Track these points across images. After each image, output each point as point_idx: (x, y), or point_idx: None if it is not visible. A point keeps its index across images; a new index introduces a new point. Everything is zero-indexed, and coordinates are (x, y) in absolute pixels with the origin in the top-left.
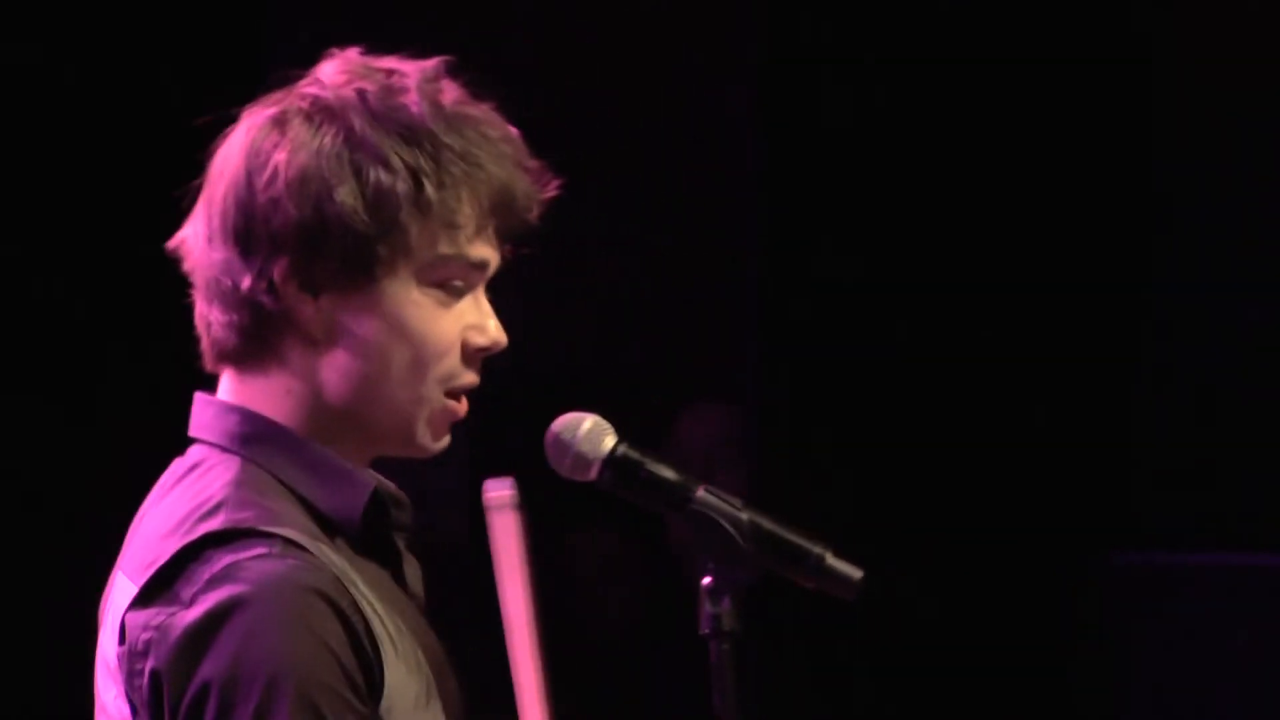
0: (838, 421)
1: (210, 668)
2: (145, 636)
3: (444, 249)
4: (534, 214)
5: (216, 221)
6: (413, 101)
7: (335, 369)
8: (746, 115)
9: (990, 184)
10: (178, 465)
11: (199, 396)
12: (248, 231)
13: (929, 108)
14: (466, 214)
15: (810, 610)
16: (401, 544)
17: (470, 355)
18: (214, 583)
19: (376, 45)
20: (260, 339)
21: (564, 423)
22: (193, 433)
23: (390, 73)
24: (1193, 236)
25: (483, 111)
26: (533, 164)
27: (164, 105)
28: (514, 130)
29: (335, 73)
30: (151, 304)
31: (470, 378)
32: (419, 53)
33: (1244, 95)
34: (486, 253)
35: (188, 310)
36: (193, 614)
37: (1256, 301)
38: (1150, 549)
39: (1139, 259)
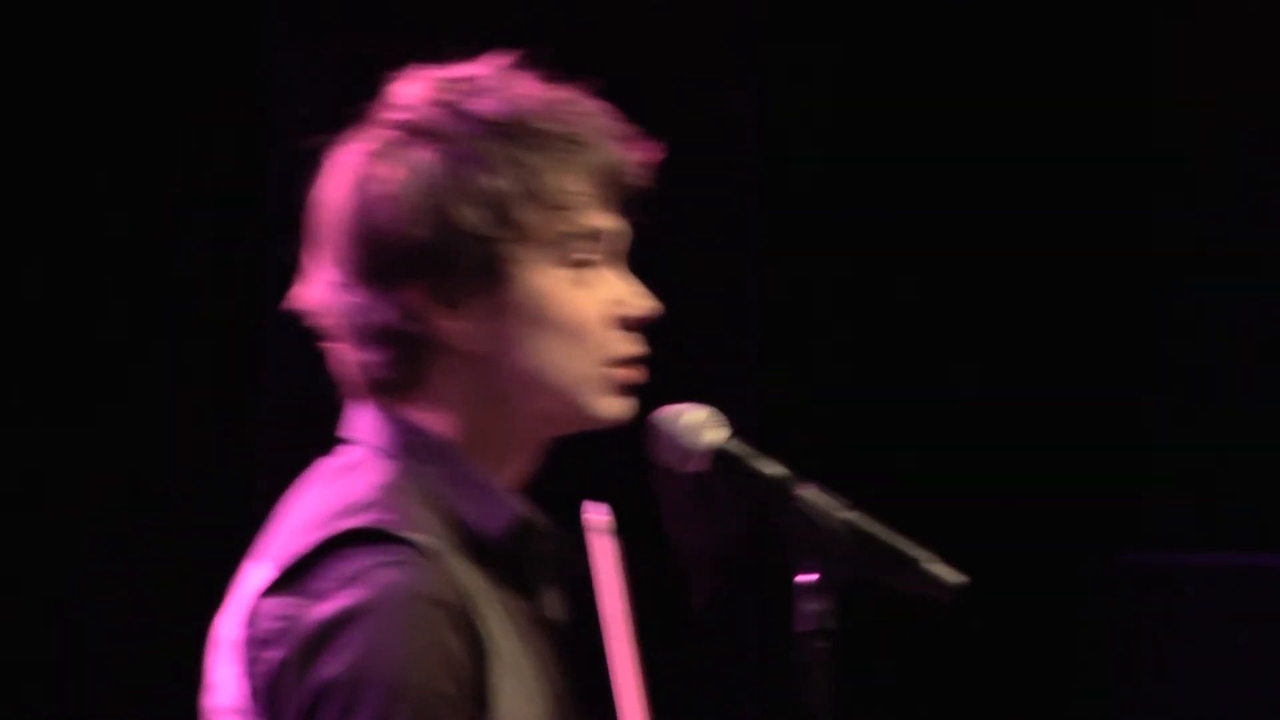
0: (840, 423)
1: (335, 667)
2: (274, 625)
3: (563, 228)
4: (642, 179)
5: (347, 266)
6: (498, 100)
7: (491, 373)
8: (746, 115)
9: (996, 184)
10: (328, 462)
11: (355, 402)
12: (377, 268)
13: (931, 107)
14: (576, 192)
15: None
16: (548, 576)
17: (621, 327)
18: (347, 582)
19: (376, 46)
20: (413, 367)
21: (667, 413)
22: (346, 434)
23: (465, 80)
24: (1198, 238)
25: (566, 92)
26: (628, 131)
27: (163, 106)
28: (602, 104)
29: (413, 92)
30: (163, 305)
31: (628, 348)
32: (421, 54)
33: (1250, 98)
34: (604, 222)
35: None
36: (322, 610)
37: (1259, 302)
38: (1152, 549)
39: (1144, 260)
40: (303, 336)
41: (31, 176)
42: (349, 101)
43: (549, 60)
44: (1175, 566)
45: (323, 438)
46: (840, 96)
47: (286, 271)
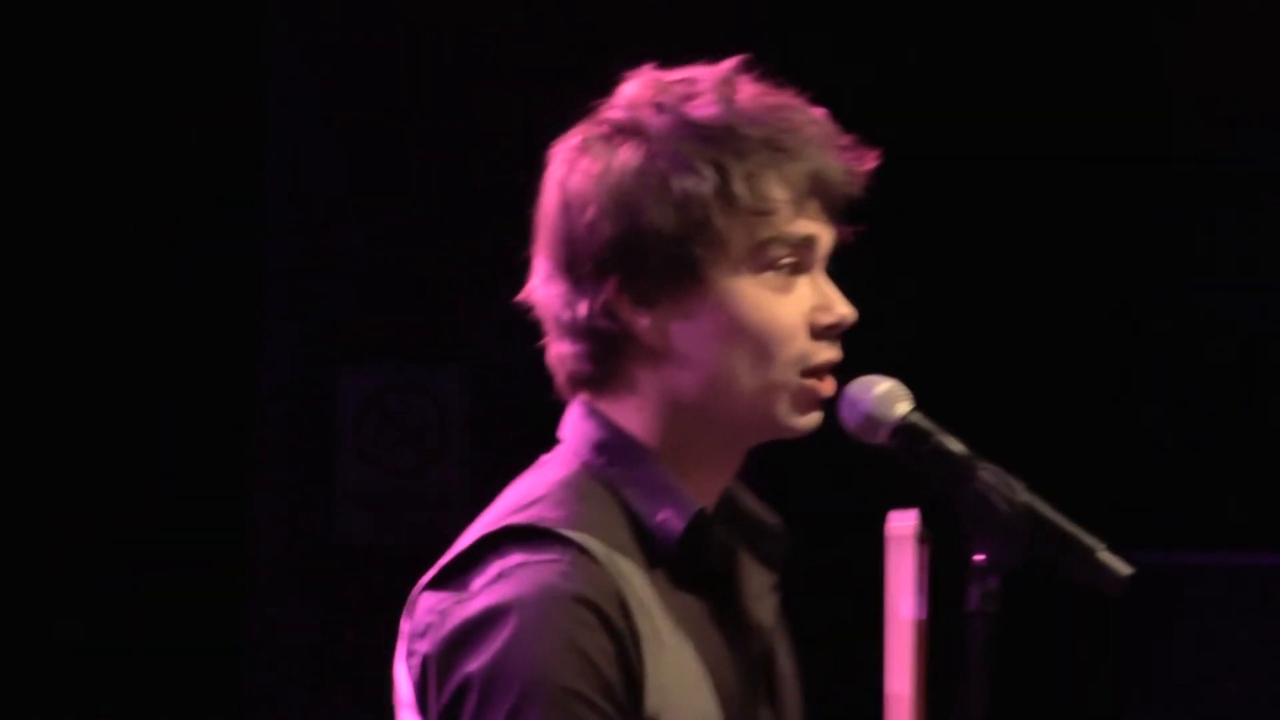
0: (837, 421)
1: (474, 663)
2: (428, 619)
3: (761, 234)
4: (854, 188)
5: (550, 259)
6: (708, 102)
7: (683, 375)
8: None
9: (999, 184)
10: (541, 459)
11: (572, 402)
12: (573, 261)
13: (932, 107)
14: (778, 198)
15: (814, 602)
16: (756, 578)
17: (820, 333)
18: (496, 579)
19: (376, 46)
20: (608, 363)
21: (859, 383)
22: (559, 433)
23: (685, 81)
24: (1199, 238)
25: (783, 99)
26: (845, 140)
27: (163, 105)
28: (819, 112)
29: (632, 92)
30: (163, 304)
31: (826, 354)
32: (421, 55)
33: (1257, 97)
34: (809, 228)
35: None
36: (471, 608)
37: (1259, 302)
38: (1152, 549)
39: (1145, 258)
40: (300, 336)
41: (31, 177)
42: (348, 99)
43: (548, 60)
44: (1175, 566)
45: (322, 436)
46: (841, 96)
47: (287, 271)
